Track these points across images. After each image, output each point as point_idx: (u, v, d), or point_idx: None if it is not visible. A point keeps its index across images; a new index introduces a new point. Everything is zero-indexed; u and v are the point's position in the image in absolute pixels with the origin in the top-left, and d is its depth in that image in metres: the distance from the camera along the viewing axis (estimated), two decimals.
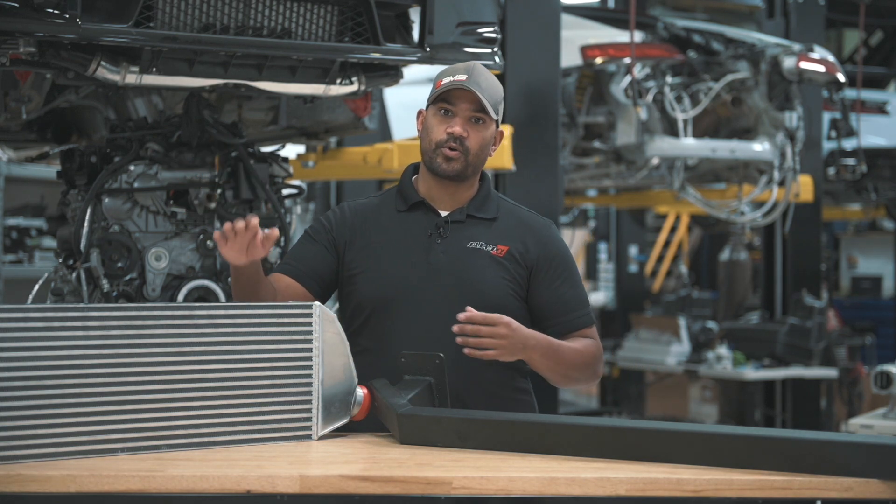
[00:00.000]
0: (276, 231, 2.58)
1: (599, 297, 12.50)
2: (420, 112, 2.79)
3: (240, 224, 2.53)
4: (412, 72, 4.08)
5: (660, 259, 13.13)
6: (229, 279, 3.69)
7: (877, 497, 2.10)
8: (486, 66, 3.54)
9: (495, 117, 2.73)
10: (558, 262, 2.79)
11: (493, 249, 2.74)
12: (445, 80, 2.71)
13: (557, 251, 2.80)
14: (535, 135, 5.36)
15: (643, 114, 6.43)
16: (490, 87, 2.71)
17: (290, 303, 2.53)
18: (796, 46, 6.81)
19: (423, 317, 2.68)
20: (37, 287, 4.33)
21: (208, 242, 3.69)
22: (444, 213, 2.77)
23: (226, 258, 2.62)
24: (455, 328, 2.52)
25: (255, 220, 2.54)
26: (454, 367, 2.60)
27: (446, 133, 2.69)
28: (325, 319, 2.50)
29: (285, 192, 3.96)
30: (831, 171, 7.94)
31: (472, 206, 2.79)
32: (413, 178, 2.84)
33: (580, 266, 13.52)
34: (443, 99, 2.71)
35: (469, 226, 2.77)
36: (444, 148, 2.70)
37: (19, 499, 2.08)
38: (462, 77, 2.69)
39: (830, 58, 6.86)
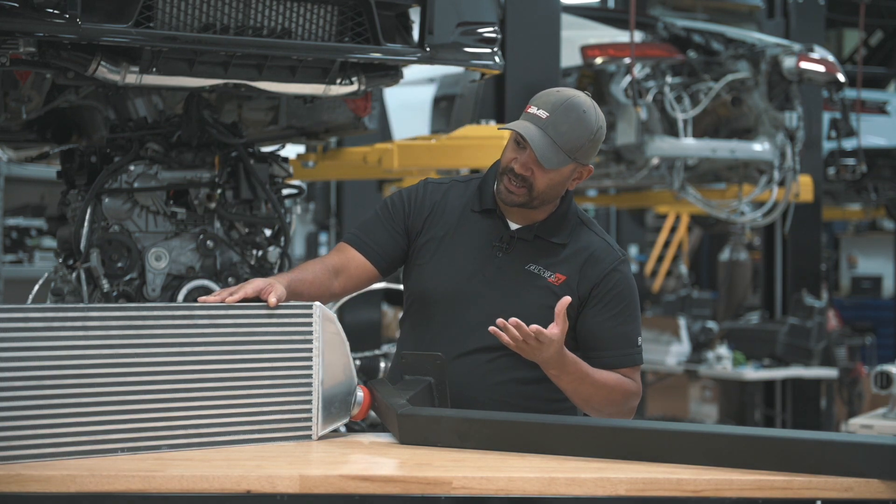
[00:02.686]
0: (274, 301, 2.47)
1: None
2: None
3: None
4: (412, 72, 4.08)
5: (660, 259, 13.13)
6: (229, 279, 3.70)
7: (877, 497, 2.10)
8: (485, 65, 3.57)
9: (564, 165, 2.56)
10: (614, 297, 2.65)
11: (550, 276, 2.64)
12: (531, 109, 2.57)
13: (617, 286, 2.66)
14: None
15: (643, 114, 6.43)
16: (571, 133, 2.54)
17: (290, 303, 2.53)
18: (796, 46, 6.82)
19: (463, 326, 2.65)
20: (37, 287, 4.33)
21: (208, 242, 3.69)
22: (513, 227, 2.69)
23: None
24: (499, 322, 2.44)
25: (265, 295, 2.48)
26: (484, 383, 2.60)
27: (511, 165, 2.60)
28: (325, 319, 2.50)
29: (285, 192, 3.95)
30: (831, 171, 7.95)
31: (543, 227, 2.68)
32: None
33: None
34: None
35: (534, 246, 2.67)
36: (507, 178, 2.61)
37: (19, 499, 2.08)
38: (543, 115, 2.54)
39: (830, 58, 6.86)
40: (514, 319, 2.45)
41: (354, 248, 2.73)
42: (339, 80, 3.48)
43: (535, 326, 2.43)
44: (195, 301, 2.47)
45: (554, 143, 2.54)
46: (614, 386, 2.62)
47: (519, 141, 2.58)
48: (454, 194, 2.76)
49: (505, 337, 2.45)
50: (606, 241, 2.73)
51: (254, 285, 2.48)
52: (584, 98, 2.61)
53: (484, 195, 2.73)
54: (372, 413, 2.62)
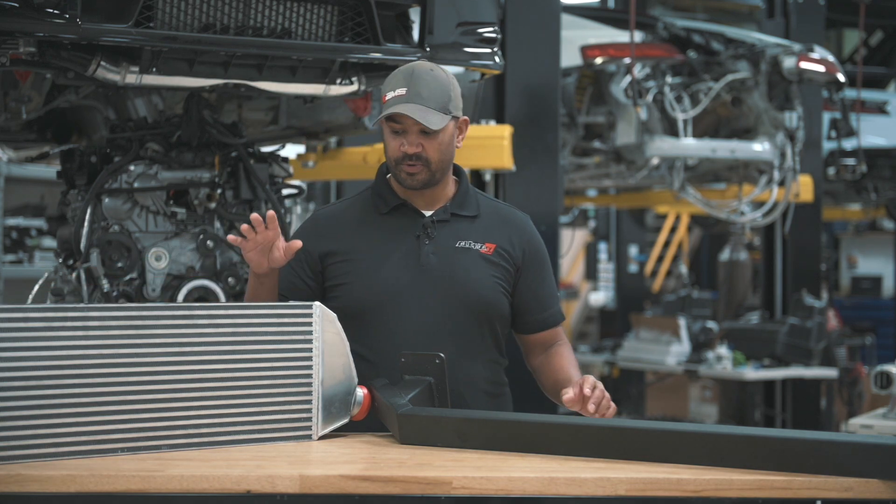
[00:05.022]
0: (298, 242, 2.60)
1: (599, 296, 12.51)
2: (380, 120, 2.72)
3: (255, 216, 2.56)
4: None
5: (660, 259, 13.13)
6: (229, 279, 3.70)
7: (877, 497, 2.10)
8: (485, 65, 3.58)
9: (444, 123, 2.65)
10: (539, 259, 2.82)
11: (481, 248, 2.74)
12: (388, 96, 2.66)
13: (538, 247, 2.83)
14: (535, 135, 5.36)
15: (643, 114, 6.44)
16: (434, 92, 2.64)
17: (290, 302, 2.53)
18: (796, 46, 6.82)
19: (417, 319, 2.67)
20: (37, 287, 4.33)
21: (208, 242, 3.69)
22: (427, 213, 2.75)
23: (247, 261, 2.64)
24: (574, 393, 2.50)
25: (272, 212, 2.57)
26: (452, 370, 2.60)
27: (401, 151, 2.67)
28: (325, 319, 2.50)
29: (285, 192, 3.96)
30: (831, 171, 7.95)
31: (455, 204, 2.77)
32: (388, 177, 2.80)
33: (580, 266, 13.55)
34: (390, 118, 2.66)
35: (454, 224, 2.75)
36: (403, 165, 2.68)
37: (19, 499, 2.08)
38: (402, 91, 2.63)
39: (830, 58, 6.87)
40: (590, 379, 2.53)
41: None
42: (339, 80, 3.49)
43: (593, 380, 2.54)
44: (195, 301, 2.48)
45: (426, 107, 2.63)
46: (575, 363, 2.81)
47: (395, 128, 2.66)
48: (352, 211, 2.81)
49: (590, 407, 2.49)
50: (505, 204, 2.90)
51: (264, 235, 2.57)
52: (422, 62, 2.76)
53: (385, 196, 2.78)
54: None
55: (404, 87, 2.64)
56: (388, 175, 2.80)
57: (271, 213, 2.57)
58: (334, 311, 2.67)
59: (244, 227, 2.60)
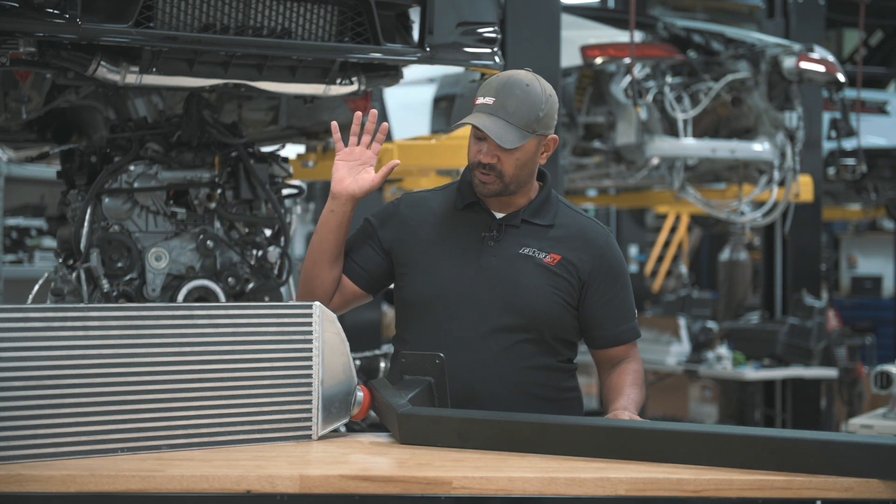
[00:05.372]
0: (395, 161, 2.66)
1: None
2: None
3: (374, 112, 2.63)
4: (412, 72, 4.08)
5: (660, 259, 13.13)
6: (229, 279, 3.69)
7: (877, 497, 2.10)
8: (485, 65, 3.57)
9: (524, 140, 2.62)
10: (611, 275, 2.74)
11: (545, 257, 2.69)
12: (478, 101, 2.65)
13: (612, 263, 2.75)
14: None
15: (643, 114, 6.43)
16: (520, 108, 2.62)
17: (290, 303, 2.53)
18: (796, 46, 6.82)
19: (468, 318, 2.67)
20: (37, 287, 4.33)
21: (208, 242, 3.69)
22: (499, 216, 2.74)
23: (333, 171, 2.68)
24: None
25: (374, 111, 2.62)
26: (497, 373, 2.62)
27: (477, 158, 2.66)
28: (325, 319, 2.50)
29: (285, 192, 3.95)
30: (831, 171, 7.95)
31: (528, 211, 2.74)
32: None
33: None
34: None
35: (524, 231, 2.72)
36: (478, 171, 2.67)
37: (19, 499, 2.08)
38: (489, 101, 2.62)
39: (830, 58, 6.87)
40: (623, 415, 2.58)
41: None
42: (339, 80, 3.49)
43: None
44: (195, 301, 2.48)
45: (507, 123, 2.61)
46: (640, 382, 2.75)
47: (477, 134, 2.65)
48: (435, 201, 2.81)
49: None
50: (589, 218, 2.82)
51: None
52: (524, 73, 2.70)
53: (465, 192, 2.77)
54: (372, 413, 2.62)
55: (493, 97, 2.63)
56: None
57: (374, 111, 2.61)
58: (398, 301, 2.75)
59: (357, 114, 2.62)
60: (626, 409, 2.62)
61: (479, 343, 2.64)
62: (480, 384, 2.64)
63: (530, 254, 2.70)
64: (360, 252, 2.78)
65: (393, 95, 6.93)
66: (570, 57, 6.24)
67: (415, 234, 2.75)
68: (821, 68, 6.70)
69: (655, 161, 6.61)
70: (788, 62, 6.65)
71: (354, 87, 3.54)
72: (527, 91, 2.64)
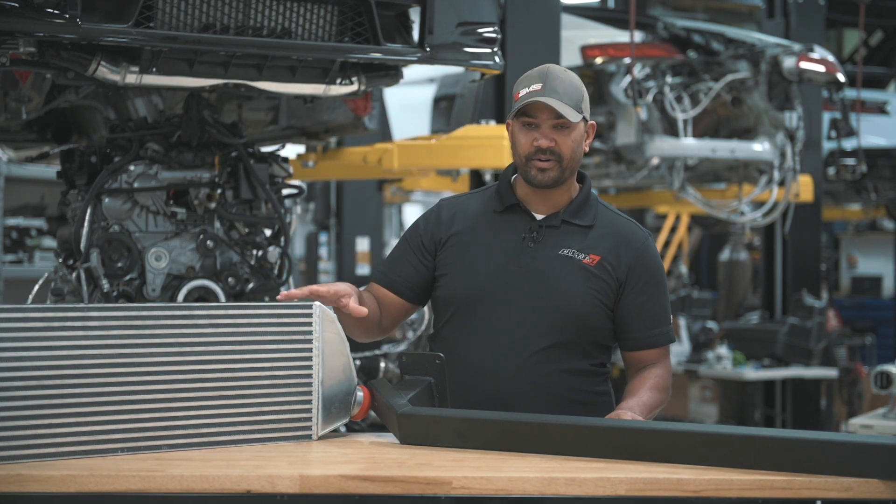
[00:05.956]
0: (363, 310, 2.56)
1: None
2: (508, 123, 2.74)
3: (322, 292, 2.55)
4: (412, 72, 4.08)
5: None
6: (229, 279, 3.70)
7: (877, 497, 2.10)
8: (485, 65, 3.58)
9: (579, 118, 2.66)
10: (648, 277, 2.74)
11: (584, 258, 2.69)
12: (522, 92, 2.66)
13: (649, 265, 2.75)
14: None
15: (643, 114, 6.44)
16: (568, 89, 2.65)
17: (291, 303, 2.53)
18: (796, 46, 6.82)
19: (508, 319, 2.67)
20: (37, 287, 4.33)
21: (208, 242, 3.69)
22: (539, 217, 2.74)
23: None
24: None
25: (345, 302, 2.55)
26: (531, 376, 2.62)
27: (533, 146, 2.66)
28: (325, 319, 2.50)
29: (285, 192, 3.96)
30: (831, 171, 7.95)
31: (569, 211, 2.74)
32: (512, 178, 2.80)
33: None
34: (523, 112, 2.66)
35: (563, 232, 2.72)
36: (535, 160, 2.66)
37: (19, 499, 2.08)
38: (537, 87, 2.64)
39: (830, 58, 6.87)
40: (626, 415, 2.55)
41: (384, 287, 2.79)
42: (339, 80, 3.49)
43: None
44: (195, 301, 2.48)
45: (561, 102, 2.63)
46: (661, 386, 2.72)
47: (528, 122, 2.66)
48: (473, 203, 2.82)
49: None
50: (628, 220, 2.82)
51: (337, 288, 2.56)
52: (555, 64, 2.75)
53: (504, 195, 2.77)
54: (372, 413, 2.62)
55: (539, 83, 2.65)
56: (514, 176, 2.79)
57: (342, 300, 2.55)
58: (435, 300, 2.74)
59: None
60: (630, 410, 2.61)
61: (515, 344, 2.64)
62: (513, 385, 2.64)
63: (570, 255, 2.69)
64: (404, 266, 2.78)
65: (393, 95, 6.94)
66: (570, 57, 6.24)
67: (456, 235, 2.76)
68: (821, 68, 6.70)
69: (655, 161, 6.61)
70: (788, 62, 6.65)
71: (354, 87, 3.54)
72: (568, 74, 2.69)
